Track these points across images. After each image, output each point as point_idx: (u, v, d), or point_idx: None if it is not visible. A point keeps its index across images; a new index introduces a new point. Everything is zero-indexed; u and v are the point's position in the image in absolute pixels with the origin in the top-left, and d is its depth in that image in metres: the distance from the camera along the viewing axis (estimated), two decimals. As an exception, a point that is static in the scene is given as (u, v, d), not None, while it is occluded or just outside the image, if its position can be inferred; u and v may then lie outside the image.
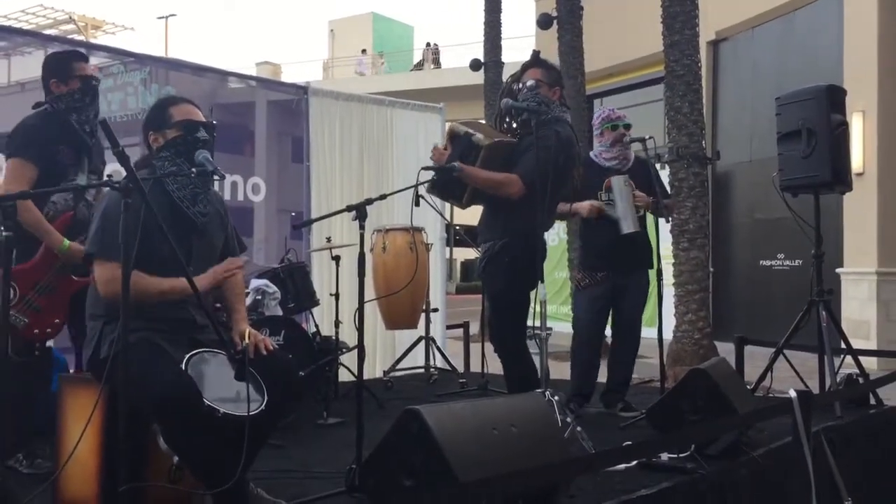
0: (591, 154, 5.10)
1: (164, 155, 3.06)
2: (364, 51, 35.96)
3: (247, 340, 2.92)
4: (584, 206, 4.81)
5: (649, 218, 5.00)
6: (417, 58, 36.50)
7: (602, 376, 5.11)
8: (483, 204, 4.28)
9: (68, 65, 3.76)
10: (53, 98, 3.71)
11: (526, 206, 3.95)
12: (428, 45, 35.10)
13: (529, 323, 4.09)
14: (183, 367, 2.77)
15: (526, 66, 4.34)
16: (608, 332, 5.18)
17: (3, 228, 2.49)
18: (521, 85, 4.27)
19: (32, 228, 3.49)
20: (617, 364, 5.04)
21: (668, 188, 5.04)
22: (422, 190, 3.91)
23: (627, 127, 4.98)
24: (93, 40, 31.19)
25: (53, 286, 3.56)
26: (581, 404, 4.89)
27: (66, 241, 3.52)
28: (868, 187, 9.75)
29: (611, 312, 5.05)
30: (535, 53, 4.42)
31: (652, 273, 4.94)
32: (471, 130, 4.16)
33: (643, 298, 5.07)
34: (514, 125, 4.31)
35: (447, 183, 4.16)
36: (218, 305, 3.44)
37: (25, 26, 28.93)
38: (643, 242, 4.93)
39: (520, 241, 4.02)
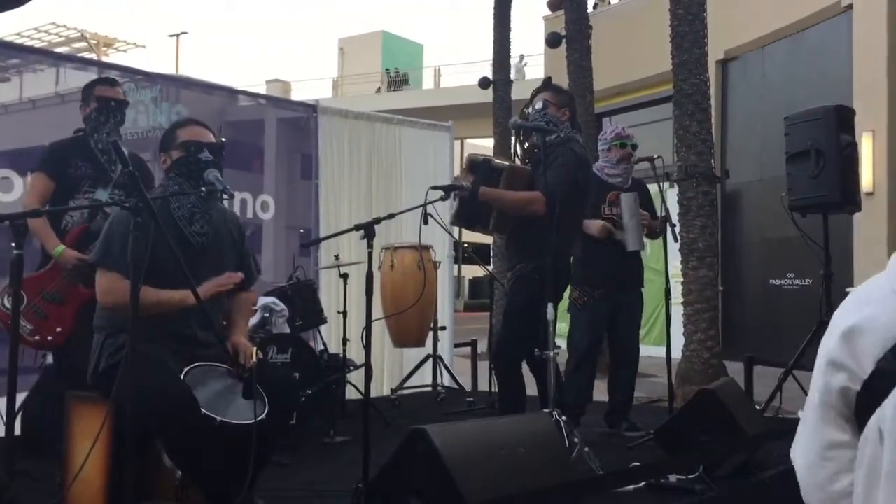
0: (594, 168, 5.08)
1: (172, 175, 3.15)
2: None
3: (253, 360, 2.93)
4: (595, 224, 4.81)
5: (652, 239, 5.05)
6: (428, 76, 36.49)
7: (604, 396, 5.09)
8: (510, 228, 4.28)
9: (90, 89, 3.97)
10: (85, 121, 3.94)
11: (555, 230, 3.94)
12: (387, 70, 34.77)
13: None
14: (182, 378, 2.78)
15: (536, 91, 4.40)
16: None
17: (14, 246, 2.54)
18: (531, 108, 4.32)
19: (37, 235, 3.70)
20: (618, 384, 5.02)
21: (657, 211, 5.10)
22: (431, 209, 3.92)
23: (634, 147, 5.02)
24: (104, 58, 31.37)
25: (62, 296, 3.64)
26: (577, 419, 4.87)
27: (61, 247, 3.67)
28: (878, 207, 9.71)
29: (608, 332, 5.06)
30: (547, 80, 4.51)
31: (657, 291, 4.95)
32: (489, 157, 4.22)
33: (640, 317, 5.09)
34: (526, 146, 4.34)
35: (473, 212, 4.18)
36: (225, 323, 3.44)
37: (37, 44, 29.18)
38: (637, 261, 4.97)
39: (549, 264, 4.01)
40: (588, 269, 5.03)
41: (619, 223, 4.84)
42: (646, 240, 5.05)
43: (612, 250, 4.81)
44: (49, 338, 3.61)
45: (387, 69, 35.57)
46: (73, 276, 3.68)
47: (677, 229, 5.69)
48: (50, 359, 3.98)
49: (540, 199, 4.01)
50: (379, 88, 35.12)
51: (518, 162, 4.33)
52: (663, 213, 4.90)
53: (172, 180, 3.13)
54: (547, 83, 4.44)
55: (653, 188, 5.01)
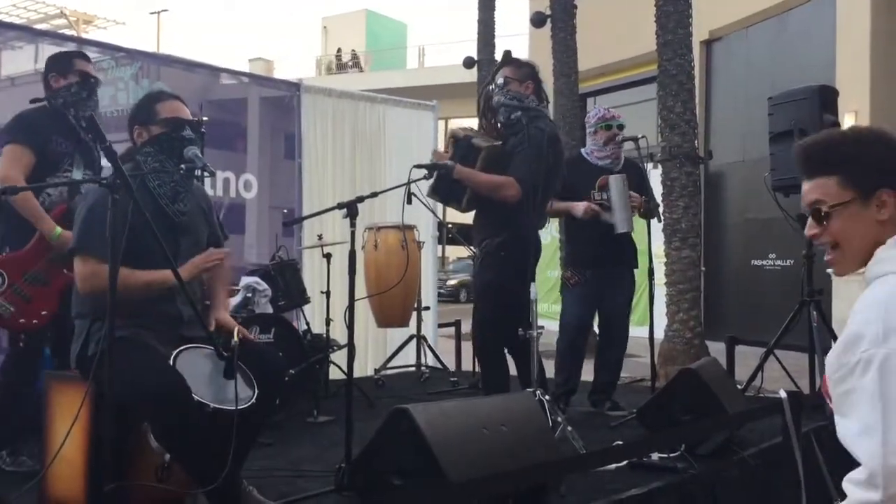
0: (583, 151, 5.10)
1: (148, 150, 3.04)
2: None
3: (236, 338, 2.90)
4: (580, 206, 4.81)
5: (637, 219, 5.02)
6: (412, 55, 36.41)
7: (589, 375, 5.11)
8: (478, 204, 4.28)
9: (69, 60, 3.82)
10: (52, 93, 3.75)
11: (520, 205, 3.96)
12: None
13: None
14: (171, 363, 2.75)
15: (497, 68, 4.36)
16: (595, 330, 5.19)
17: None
18: (493, 86, 4.28)
19: (28, 215, 3.55)
20: (604, 364, 5.04)
21: (653, 191, 5.07)
22: (414, 188, 3.90)
23: (621, 127, 4.99)
24: (84, 35, 30.99)
25: (45, 277, 3.56)
26: (567, 401, 4.88)
27: (59, 229, 3.54)
28: (860, 188, 9.77)
29: (597, 312, 5.06)
30: (506, 53, 4.44)
31: (642, 272, 4.95)
32: (470, 134, 4.18)
33: (630, 298, 5.08)
34: (499, 125, 4.31)
35: (449, 187, 4.16)
36: (207, 303, 3.42)
37: (16, 20, 28.73)
38: (629, 242, 4.95)
39: (516, 239, 4.02)
40: (577, 249, 5.04)
41: (608, 206, 4.83)
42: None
43: (600, 231, 4.79)
44: (34, 321, 3.53)
45: (338, 49, 35.73)
46: (61, 258, 3.56)
47: (661, 210, 5.69)
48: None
49: (512, 184, 4.01)
50: (337, 66, 35.28)
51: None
52: (645, 198, 4.90)
53: (152, 157, 3.02)
54: (506, 58, 4.38)
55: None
